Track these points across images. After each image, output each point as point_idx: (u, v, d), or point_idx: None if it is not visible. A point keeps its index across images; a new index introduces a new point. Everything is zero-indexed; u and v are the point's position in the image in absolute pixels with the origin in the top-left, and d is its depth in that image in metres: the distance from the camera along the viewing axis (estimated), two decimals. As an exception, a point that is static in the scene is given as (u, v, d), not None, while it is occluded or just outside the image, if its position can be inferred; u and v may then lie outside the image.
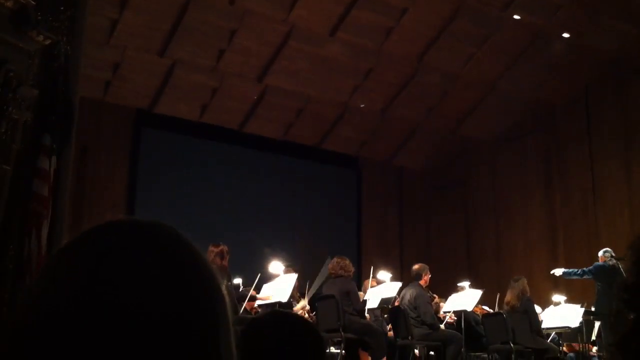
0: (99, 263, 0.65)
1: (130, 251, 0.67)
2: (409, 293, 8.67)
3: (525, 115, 13.32)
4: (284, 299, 7.64)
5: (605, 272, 9.14)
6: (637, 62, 11.92)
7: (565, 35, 11.45)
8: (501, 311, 9.20)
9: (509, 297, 9.21)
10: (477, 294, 8.94)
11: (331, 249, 10.64)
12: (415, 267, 9.08)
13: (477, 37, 11.67)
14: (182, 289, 0.67)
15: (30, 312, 0.65)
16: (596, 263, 9.49)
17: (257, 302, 8.07)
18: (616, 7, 10.91)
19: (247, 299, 7.90)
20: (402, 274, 11.92)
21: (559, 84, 12.60)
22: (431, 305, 9.13)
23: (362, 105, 12.83)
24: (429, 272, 8.98)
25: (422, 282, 8.88)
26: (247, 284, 8.90)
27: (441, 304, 10.02)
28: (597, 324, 9.64)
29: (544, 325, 9.25)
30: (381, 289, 8.45)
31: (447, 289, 10.23)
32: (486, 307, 9.97)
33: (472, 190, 14.18)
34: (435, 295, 10.45)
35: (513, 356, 8.60)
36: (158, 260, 0.67)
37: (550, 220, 12.95)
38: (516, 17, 11.14)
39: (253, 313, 7.85)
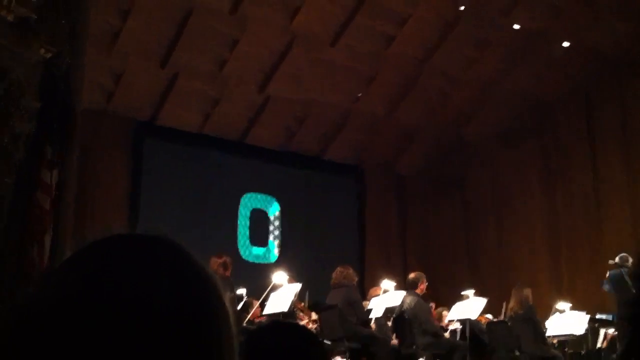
0: (102, 271, 0.66)
1: (132, 263, 0.67)
2: (407, 302, 8.60)
3: (525, 115, 13.26)
4: (285, 308, 7.59)
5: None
6: (637, 61, 11.89)
7: (566, 37, 11.45)
8: (505, 319, 9.15)
9: (512, 303, 9.16)
10: (482, 302, 8.88)
11: (334, 257, 10.62)
12: (412, 275, 9.04)
13: (478, 41, 11.67)
14: (184, 298, 0.67)
15: (30, 308, 0.66)
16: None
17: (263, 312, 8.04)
18: (616, 6, 10.89)
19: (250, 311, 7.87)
20: (405, 280, 11.90)
21: (558, 83, 12.56)
22: (431, 313, 9.05)
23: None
24: (425, 281, 8.91)
25: (418, 291, 8.82)
26: (250, 294, 8.88)
27: (444, 312, 9.97)
28: (602, 332, 9.57)
29: (548, 333, 9.19)
30: (385, 297, 8.42)
31: (449, 294, 10.15)
32: (490, 316, 9.91)
33: (472, 193, 14.12)
34: (432, 303, 10.39)
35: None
36: (160, 272, 0.67)
37: (552, 222, 12.87)
38: (516, 26, 11.16)
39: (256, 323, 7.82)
